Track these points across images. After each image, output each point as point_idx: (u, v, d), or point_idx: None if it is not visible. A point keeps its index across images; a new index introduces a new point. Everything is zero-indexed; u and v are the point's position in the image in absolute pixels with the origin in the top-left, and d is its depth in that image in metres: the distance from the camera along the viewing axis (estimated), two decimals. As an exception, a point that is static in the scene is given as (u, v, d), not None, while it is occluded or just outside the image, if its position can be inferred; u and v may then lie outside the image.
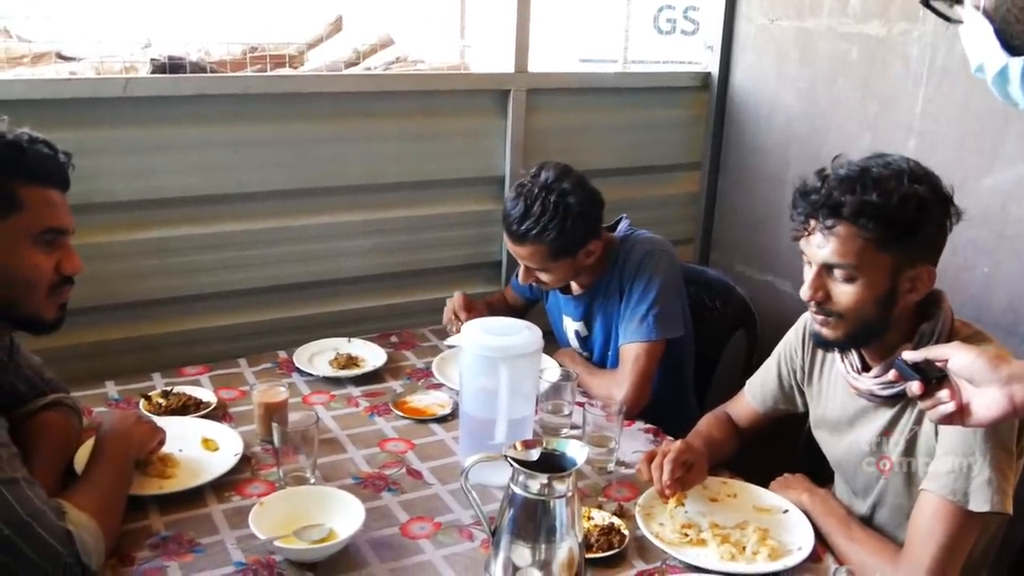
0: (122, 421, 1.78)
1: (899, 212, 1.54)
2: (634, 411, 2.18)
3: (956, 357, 1.35)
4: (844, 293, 1.60)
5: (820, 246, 1.59)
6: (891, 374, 1.46)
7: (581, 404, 2.06)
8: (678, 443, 1.82)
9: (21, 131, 1.57)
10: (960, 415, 1.36)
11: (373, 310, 2.83)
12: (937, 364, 1.37)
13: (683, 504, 1.76)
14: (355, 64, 2.85)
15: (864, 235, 1.55)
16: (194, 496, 1.76)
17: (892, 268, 1.58)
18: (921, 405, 1.41)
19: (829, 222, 1.56)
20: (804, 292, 1.64)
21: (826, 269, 1.60)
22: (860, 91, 2.69)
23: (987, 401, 1.32)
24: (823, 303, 1.62)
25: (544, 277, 2.28)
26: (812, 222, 1.60)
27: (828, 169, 1.63)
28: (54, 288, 1.61)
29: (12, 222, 1.53)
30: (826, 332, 1.67)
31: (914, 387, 1.38)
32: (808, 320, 1.89)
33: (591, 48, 3.93)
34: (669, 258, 2.31)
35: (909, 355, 1.40)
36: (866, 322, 1.62)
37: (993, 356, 1.34)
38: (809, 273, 1.63)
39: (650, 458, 1.81)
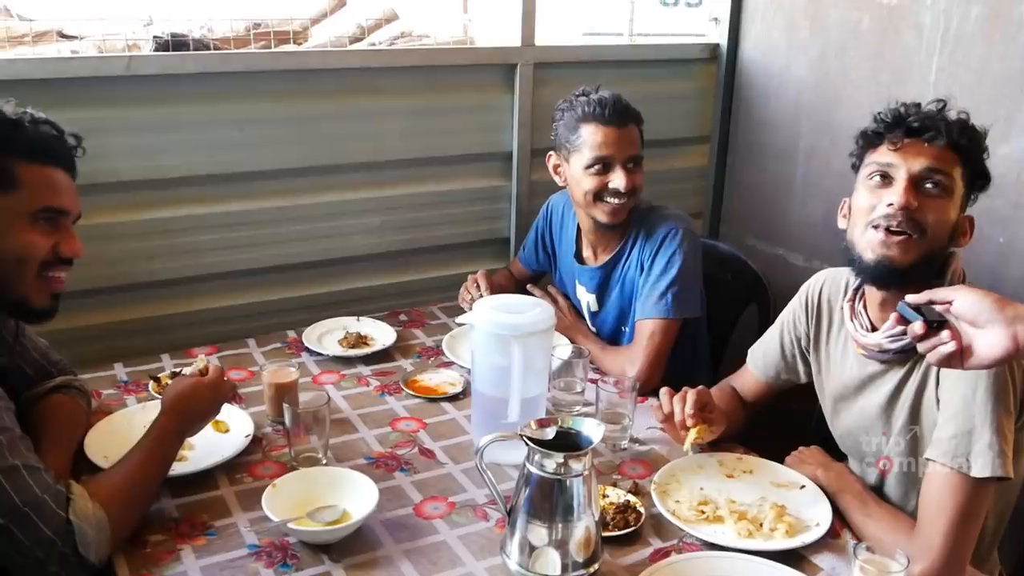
0: (176, 400, 1.67)
1: (981, 148, 1.64)
2: (646, 388, 2.15)
3: (961, 298, 1.36)
4: (932, 206, 1.60)
5: (922, 151, 1.61)
6: (893, 317, 1.45)
7: (594, 381, 2.04)
8: (700, 387, 1.85)
9: (24, 111, 1.56)
10: (960, 357, 1.36)
11: (381, 288, 2.81)
12: (938, 307, 1.38)
13: (703, 440, 1.81)
14: (359, 39, 2.82)
15: (956, 154, 1.61)
16: (206, 478, 1.74)
17: (962, 201, 1.64)
18: (921, 347, 1.41)
19: (930, 134, 1.60)
20: (895, 198, 1.59)
21: (919, 180, 1.60)
22: (872, 61, 2.65)
23: (990, 341, 1.33)
24: (914, 212, 1.59)
25: (639, 175, 2.26)
26: (905, 139, 1.62)
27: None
28: (45, 266, 1.58)
29: (7, 200, 1.51)
30: (896, 254, 1.60)
31: (916, 327, 1.38)
32: (811, 288, 1.90)
33: (595, 21, 3.90)
34: (692, 236, 2.29)
35: (912, 297, 1.41)
36: (937, 248, 1.63)
37: (997, 297, 1.35)
38: (889, 190, 1.61)
39: (671, 394, 1.84)
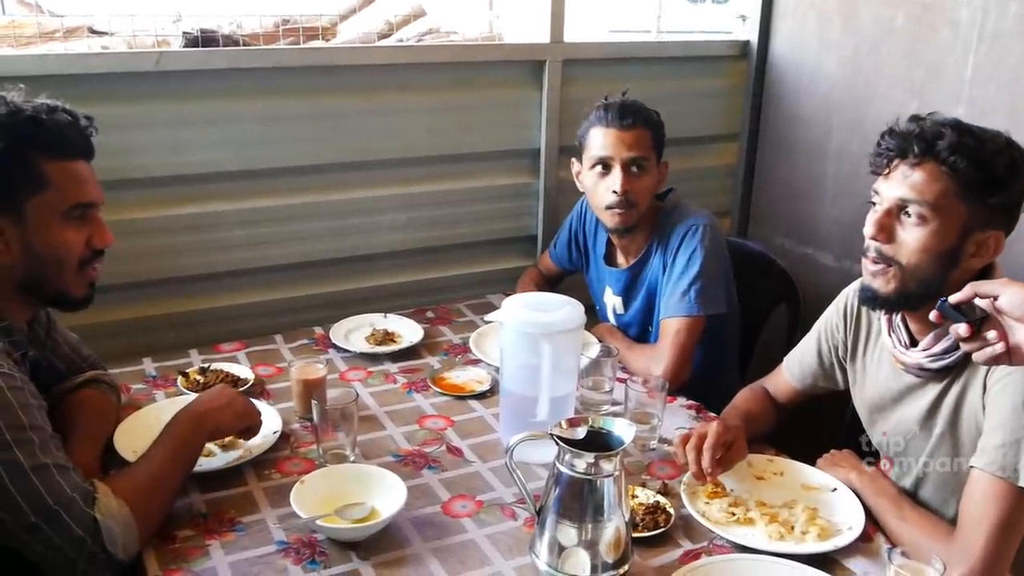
0: (206, 402, 1.71)
1: (991, 162, 1.50)
2: (673, 387, 2.13)
3: (1008, 294, 1.29)
4: (910, 236, 1.54)
5: (903, 178, 1.54)
6: (932, 315, 1.40)
7: (622, 380, 2.02)
8: (715, 425, 1.75)
9: (39, 101, 1.54)
10: (1007, 355, 1.31)
11: (408, 285, 2.81)
12: (979, 305, 1.32)
13: (722, 488, 1.73)
14: (387, 36, 2.81)
15: (950, 176, 1.50)
16: (234, 474, 1.75)
17: (965, 223, 1.53)
18: (967, 347, 1.35)
19: (917, 157, 1.52)
20: (867, 230, 1.58)
21: (898, 209, 1.55)
22: (906, 58, 2.62)
23: None
24: (883, 245, 1.57)
25: (641, 181, 2.23)
26: (897, 160, 1.55)
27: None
28: (84, 263, 1.60)
29: (40, 200, 1.52)
30: (878, 284, 1.60)
31: (961, 329, 1.33)
32: (850, 297, 1.84)
33: (620, 19, 3.88)
34: (714, 232, 2.27)
35: (954, 297, 1.34)
36: (922, 278, 1.56)
37: None
38: (872, 215, 1.59)
39: (686, 440, 1.76)
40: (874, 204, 1.60)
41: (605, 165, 2.23)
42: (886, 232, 1.56)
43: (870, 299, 1.65)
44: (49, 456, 1.42)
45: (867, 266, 1.62)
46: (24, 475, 1.38)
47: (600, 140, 2.23)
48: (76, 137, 1.56)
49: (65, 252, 1.56)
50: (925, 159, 1.52)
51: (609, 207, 2.24)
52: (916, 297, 1.59)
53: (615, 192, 2.21)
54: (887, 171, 1.58)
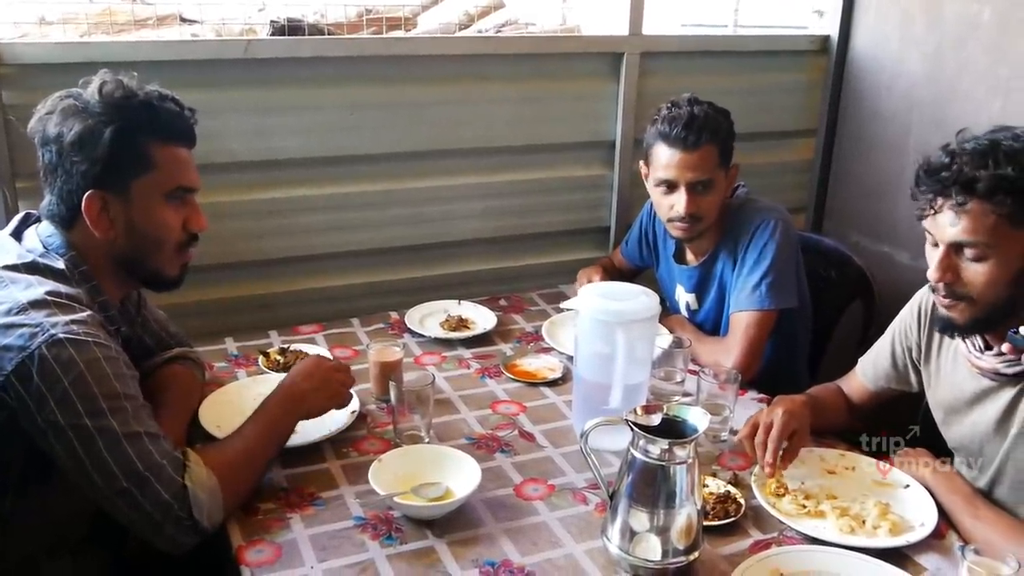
0: (301, 382, 1.75)
1: None
2: (743, 380, 2.12)
3: None
4: (975, 273, 1.53)
5: (951, 224, 1.51)
6: (1005, 347, 1.40)
7: (694, 372, 2.03)
8: (780, 414, 1.75)
9: (150, 88, 1.61)
10: None
11: (481, 273, 2.85)
12: None
13: (785, 489, 1.73)
14: (467, 27, 2.85)
15: (998, 212, 1.47)
16: (313, 451, 1.80)
17: None
18: None
19: (960, 199, 1.49)
20: (931, 274, 1.57)
21: (955, 249, 1.53)
22: (991, 55, 2.57)
23: None
24: (951, 284, 1.56)
25: (707, 198, 2.20)
26: (940, 200, 1.53)
27: (953, 144, 1.55)
28: (182, 246, 1.67)
29: (145, 181, 1.58)
30: (952, 316, 1.60)
31: None
32: (924, 299, 1.82)
33: (692, 13, 3.85)
34: (785, 226, 2.25)
35: None
36: (995, 304, 1.54)
37: None
38: (935, 253, 1.57)
39: (753, 432, 1.77)
40: (929, 239, 1.59)
41: (670, 185, 2.21)
42: (950, 272, 1.55)
43: (948, 328, 1.65)
44: (141, 424, 1.48)
45: (939, 300, 1.61)
46: (117, 442, 1.44)
47: (664, 160, 2.19)
48: (182, 125, 1.63)
49: (165, 232, 1.62)
50: (968, 200, 1.49)
51: (672, 220, 2.25)
52: (991, 320, 1.58)
53: (680, 214, 2.21)
54: (932, 212, 1.55)
